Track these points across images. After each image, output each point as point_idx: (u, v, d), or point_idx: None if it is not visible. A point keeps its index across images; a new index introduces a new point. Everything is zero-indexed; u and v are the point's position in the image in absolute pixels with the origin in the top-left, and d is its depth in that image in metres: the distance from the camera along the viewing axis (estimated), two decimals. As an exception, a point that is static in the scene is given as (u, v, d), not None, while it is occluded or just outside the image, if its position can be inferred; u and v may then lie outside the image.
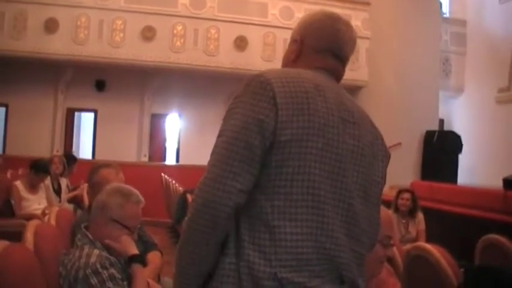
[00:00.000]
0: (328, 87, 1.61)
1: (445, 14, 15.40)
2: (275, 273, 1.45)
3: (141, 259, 2.57)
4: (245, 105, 1.52)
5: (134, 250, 2.55)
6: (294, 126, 1.49)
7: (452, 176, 12.09)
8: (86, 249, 2.42)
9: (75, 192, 7.59)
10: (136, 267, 2.52)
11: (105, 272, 2.33)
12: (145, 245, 3.29)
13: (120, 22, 11.71)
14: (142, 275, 2.55)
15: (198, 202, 1.47)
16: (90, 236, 2.50)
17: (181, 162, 14.26)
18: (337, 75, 1.75)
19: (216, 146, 1.52)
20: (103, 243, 2.49)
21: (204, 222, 1.46)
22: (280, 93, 1.51)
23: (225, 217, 1.46)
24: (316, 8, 1.87)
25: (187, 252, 1.51)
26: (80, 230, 2.57)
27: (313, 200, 1.50)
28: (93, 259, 2.35)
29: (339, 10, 11.79)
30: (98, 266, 2.33)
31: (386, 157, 1.75)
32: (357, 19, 12.83)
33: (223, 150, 1.48)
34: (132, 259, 2.52)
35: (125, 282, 2.42)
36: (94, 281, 2.30)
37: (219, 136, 1.54)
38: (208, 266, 1.50)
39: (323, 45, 1.73)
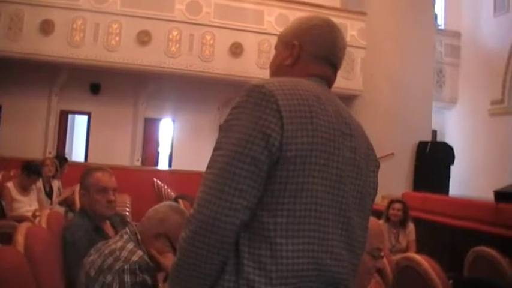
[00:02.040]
0: (327, 99, 1.58)
1: (440, 25, 15.50)
2: None
3: None
4: (248, 117, 1.44)
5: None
6: (299, 141, 1.44)
7: (444, 187, 12.12)
8: (131, 245, 2.39)
9: (65, 195, 7.57)
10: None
11: (140, 275, 2.29)
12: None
13: (116, 26, 11.70)
14: None
15: (202, 220, 1.41)
16: (139, 237, 2.48)
17: (174, 167, 14.24)
18: (330, 82, 1.72)
19: (215, 160, 1.45)
20: (149, 252, 2.47)
21: (208, 241, 1.40)
22: (285, 107, 1.45)
23: (231, 236, 1.41)
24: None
25: (189, 271, 1.45)
26: (131, 226, 2.55)
27: (315, 217, 1.47)
28: (135, 257, 2.32)
29: (335, 19, 11.64)
30: (137, 266, 2.30)
31: (377, 166, 1.74)
32: (352, 29, 12.90)
33: (226, 165, 1.41)
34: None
35: None
36: (127, 278, 2.26)
37: (218, 149, 1.46)
38: (209, 284, 1.45)
39: (322, 53, 1.69)
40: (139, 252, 2.37)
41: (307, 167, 1.46)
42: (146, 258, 2.39)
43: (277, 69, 1.74)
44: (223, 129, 1.49)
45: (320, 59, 1.70)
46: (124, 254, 2.33)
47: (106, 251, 2.36)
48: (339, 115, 1.59)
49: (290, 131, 1.44)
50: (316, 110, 1.51)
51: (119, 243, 2.39)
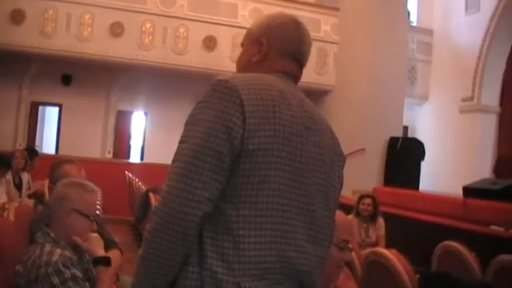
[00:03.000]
0: (291, 93, 1.60)
1: (413, 22, 15.63)
2: (238, 282, 1.44)
3: (106, 261, 2.53)
4: (211, 111, 1.48)
5: (100, 251, 2.52)
6: (261, 135, 1.47)
7: (414, 182, 12.24)
8: (48, 247, 2.36)
9: (36, 188, 7.51)
10: (101, 270, 2.49)
11: (67, 271, 2.28)
12: (105, 244, 3.25)
13: (88, 16, 11.58)
14: (107, 277, 2.51)
15: (165, 212, 1.43)
16: (52, 234, 2.45)
17: (145, 160, 14.17)
18: (296, 78, 1.75)
19: (180, 153, 1.48)
20: (70, 240, 2.46)
21: (172, 233, 1.42)
22: (248, 101, 1.48)
23: (194, 227, 1.43)
24: (287, 11, 1.90)
25: (154, 262, 1.47)
26: (41, 228, 2.52)
27: (278, 209, 1.50)
28: (55, 258, 2.30)
29: (308, 14, 11.90)
30: (60, 265, 2.28)
31: (343, 161, 1.77)
32: (326, 24, 12.95)
33: (190, 158, 1.44)
34: (97, 261, 2.49)
35: (87, 283, 2.38)
36: (55, 280, 2.25)
37: (182, 142, 1.49)
38: (173, 275, 1.48)
39: (289, 50, 1.72)
40: (58, 251, 2.35)
41: (270, 159, 1.48)
42: (67, 252, 2.38)
43: (244, 65, 1.77)
44: (189, 123, 1.52)
45: (287, 55, 1.73)
46: (44, 258, 2.31)
47: (29, 264, 2.33)
48: (303, 110, 1.62)
49: (252, 125, 1.47)
50: (279, 104, 1.53)
51: (37, 251, 2.36)
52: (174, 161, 1.49)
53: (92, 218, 2.55)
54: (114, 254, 3.20)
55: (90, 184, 2.68)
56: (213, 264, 1.45)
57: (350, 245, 2.37)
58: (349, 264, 3.15)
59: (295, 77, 1.75)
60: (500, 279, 3.78)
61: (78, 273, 2.33)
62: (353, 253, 3.30)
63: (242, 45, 1.83)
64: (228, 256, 1.45)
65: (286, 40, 1.73)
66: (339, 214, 2.15)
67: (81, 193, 2.56)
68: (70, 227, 2.48)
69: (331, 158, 1.69)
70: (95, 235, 2.55)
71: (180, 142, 1.50)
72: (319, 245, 1.63)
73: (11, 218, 3.26)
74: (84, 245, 2.49)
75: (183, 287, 1.46)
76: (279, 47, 1.72)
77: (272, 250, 1.49)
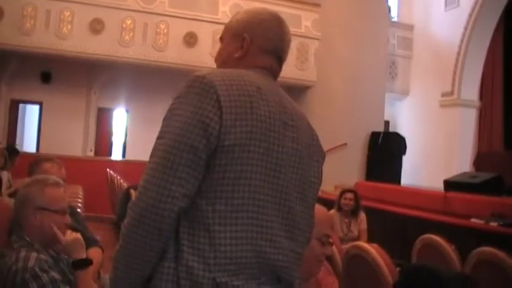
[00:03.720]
0: (269, 89, 1.61)
1: (393, 18, 15.70)
2: (214, 278, 1.45)
3: (85, 263, 2.49)
4: (188, 106, 1.48)
5: (80, 254, 2.48)
6: (238, 130, 1.48)
7: (396, 176, 12.33)
8: (23, 252, 2.30)
9: (16, 186, 7.44)
10: (80, 274, 2.45)
11: (45, 275, 2.24)
12: (86, 242, 3.24)
13: (68, 13, 11.47)
14: (86, 278, 2.47)
15: (141, 207, 1.44)
16: (27, 237, 2.39)
17: (127, 157, 14.12)
18: (275, 74, 1.75)
19: (156, 148, 1.48)
20: (45, 240, 2.41)
21: (148, 228, 1.43)
22: (224, 97, 1.48)
23: (169, 223, 1.44)
24: (268, 7, 1.92)
25: (130, 257, 1.48)
26: (16, 232, 2.45)
27: (254, 205, 1.51)
28: (31, 263, 2.25)
29: (289, 10, 11.89)
30: (37, 269, 2.23)
31: (322, 157, 1.77)
32: (306, 20, 12.96)
33: (166, 154, 1.45)
34: (76, 265, 2.45)
35: (67, 287, 2.33)
36: (33, 285, 2.20)
37: (160, 137, 1.50)
38: (150, 270, 1.49)
39: (271, 46, 1.73)
40: (34, 255, 2.30)
41: (246, 155, 1.49)
42: (43, 255, 2.33)
43: (224, 61, 1.77)
44: (166, 118, 1.52)
45: (268, 52, 1.73)
46: (20, 265, 2.25)
47: (5, 271, 2.27)
48: (282, 106, 1.63)
49: (229, 121, 1.47)
50: (256, 100, 1.54)
51: (13, 257, 2.30)
52: (151, 156, 1.49)
53: (60, 212, 2.49)
54: (95, 252, 3.19)
55: (52, 177, 2.61)
56: (189, 259, 1.45)
57: (331, 239, 2.38)
58: (330, 258, 3.17)
59: (275, 73, 1.75)
60: (479, 270, 3.83)
61: (57, 276, 2.29)
62: (334, 247, 3.33)
63: (221, 39, 1.83)
64: (204, 252, 1.46)
65: (268, 38, 1.73)
66: (320, 208, 2.16)
67: (42, 189, 2.48)
68: (40, 227, 2.41)
69: (310, 154, 1.70)
70: (75, 237, 2.48)
71: (158, 138, 1.51)
72: (296, 241, 1.63)
73: (-9, 216, 3.22)
74: (62, 243, 2.43)
75: (160, 282, 1.47)
76: (261, 44, 1.72)
77: (248, 245, 1.50)
